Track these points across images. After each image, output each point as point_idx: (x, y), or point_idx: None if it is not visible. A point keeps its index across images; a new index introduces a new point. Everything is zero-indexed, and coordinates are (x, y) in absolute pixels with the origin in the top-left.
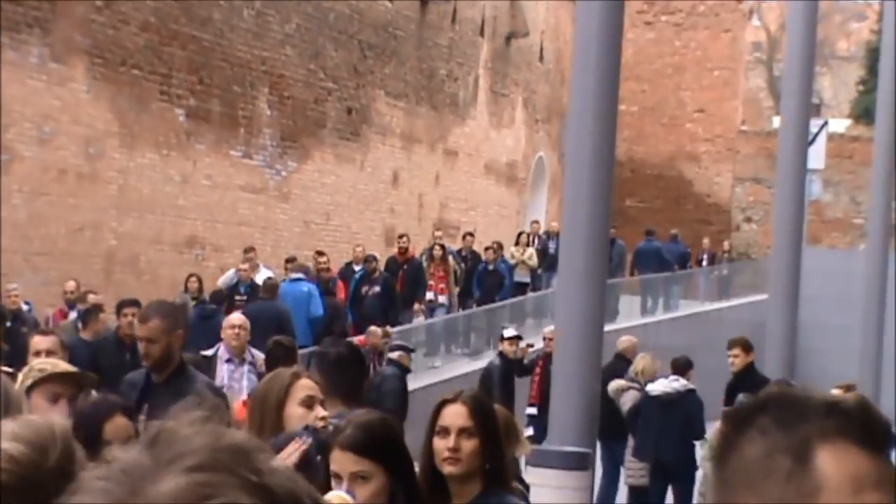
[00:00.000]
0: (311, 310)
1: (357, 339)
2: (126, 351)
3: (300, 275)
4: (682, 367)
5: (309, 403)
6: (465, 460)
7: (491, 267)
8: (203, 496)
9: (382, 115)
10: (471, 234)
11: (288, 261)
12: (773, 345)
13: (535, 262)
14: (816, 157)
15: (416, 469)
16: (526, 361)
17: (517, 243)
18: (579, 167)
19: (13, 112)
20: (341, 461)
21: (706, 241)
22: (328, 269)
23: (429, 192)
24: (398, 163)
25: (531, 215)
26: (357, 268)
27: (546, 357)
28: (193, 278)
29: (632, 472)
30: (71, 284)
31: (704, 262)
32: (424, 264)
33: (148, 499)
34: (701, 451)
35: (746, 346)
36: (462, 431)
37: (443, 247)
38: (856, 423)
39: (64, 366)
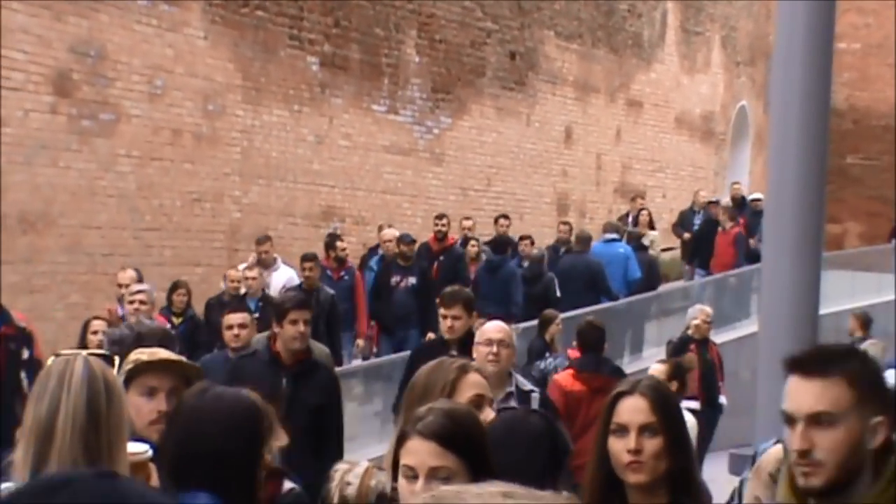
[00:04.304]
0: (628, 272)
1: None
2: (281, 372)
3: (614, 235)
4: None
5: (478, 403)
6: (650, 464)
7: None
8: None
9: (552, 59)
10: (505, 217)
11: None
12: None
13: (658, 247)
14: None
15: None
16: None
17: (637, 223)
18: (788, 118)
19: (119, 64)
20: (419, 453)
21: None
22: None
23: (608, 150)
24: (571, 116)
25: (732, 177)
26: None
27: (699, 343)
28: (181, 291)
29: None
30: (129, 275)
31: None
32: None
33: None
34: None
35: (469, 305)
36: (643, 429)
37: (477, 241)
38: None
39: (163, 353)
